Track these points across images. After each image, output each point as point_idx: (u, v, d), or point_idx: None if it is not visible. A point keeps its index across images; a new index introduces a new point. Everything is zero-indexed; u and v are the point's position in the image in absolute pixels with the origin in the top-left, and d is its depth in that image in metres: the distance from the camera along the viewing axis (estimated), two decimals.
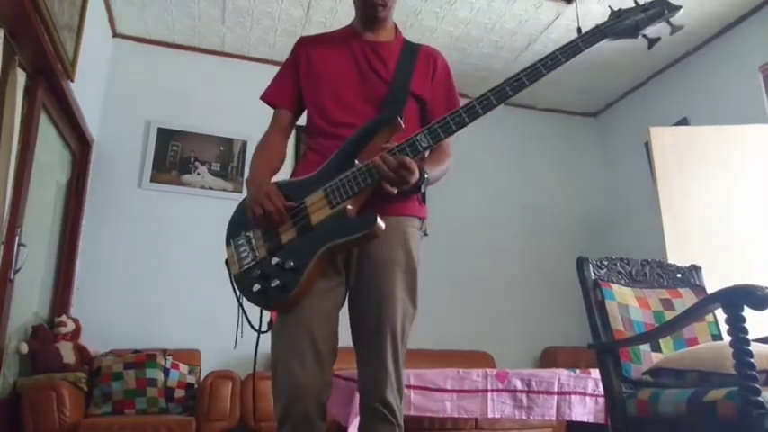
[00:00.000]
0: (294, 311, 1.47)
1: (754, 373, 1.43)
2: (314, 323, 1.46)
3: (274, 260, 1.48)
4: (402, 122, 1.49)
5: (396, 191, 1.45)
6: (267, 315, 1.56)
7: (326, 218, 1.46)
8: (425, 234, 1.66)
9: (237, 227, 1.59)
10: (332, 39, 1.75)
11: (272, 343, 1.50)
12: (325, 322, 1.48)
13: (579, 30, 1.64)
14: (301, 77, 1.70)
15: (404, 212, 1.58)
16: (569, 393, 2.70)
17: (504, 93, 1.46)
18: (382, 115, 1.52)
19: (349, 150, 1.50)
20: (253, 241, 1.54)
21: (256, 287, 1.48)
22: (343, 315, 1.58)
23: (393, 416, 1.46)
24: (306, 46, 1.73)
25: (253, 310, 1.54)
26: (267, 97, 1.73)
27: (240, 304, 1.54)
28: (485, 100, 1.44)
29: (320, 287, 1.49)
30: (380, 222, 1.42)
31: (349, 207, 1.45)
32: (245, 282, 1.52)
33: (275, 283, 1.46)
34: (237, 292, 1.54)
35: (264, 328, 1.53)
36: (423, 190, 1.52)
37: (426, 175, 1.49)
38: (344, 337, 1.54)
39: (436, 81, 1.68)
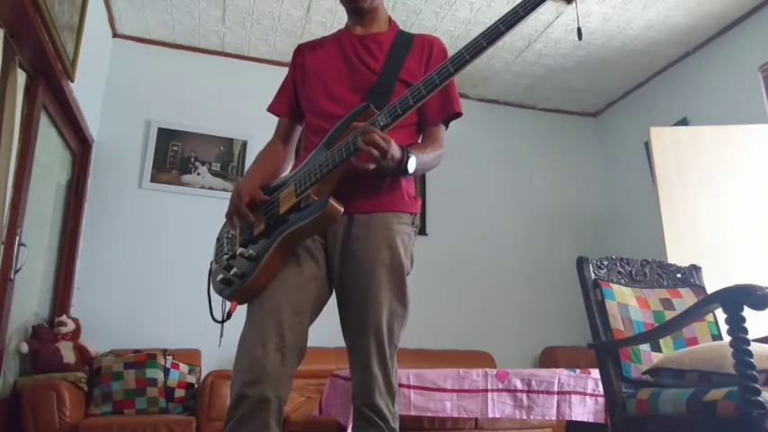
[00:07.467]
0: (265, 299, 1.47)
1: (754, 372, 1.43)
2: (283, 311, 1.45)
3: (241, 251, 1.53)
4: (376, 110, 1.46)
5: (372, 165, 1.39)
6: (229, 305, 1.59)
7: (291, 207, 1.48)
8: (417, 229, 1.63)
9: (225, 227, 1.69)
10: (326, 40, 1.79)
11: (243, 329, 1.49)
12: (295, 314, 1.46)
13: (579, 30, 1.60)
14: (297, 82, 1.75)
15: (389, 209, 1.55)
16: (569, 393, 2.70)
17: (462, 57, 1.38)
18: (359, 106, 1.52)
19: (327, 141, 1.52)
20: (234, 238, 1.61)
21: (220, 277, 1.55)
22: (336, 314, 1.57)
23: (382, 419, 1.43)
24: (302, 52, 1.79)
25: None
26: (268, 108, 1.83)
27: (209, 296, 1.60)
28: (443, 69, 1.39)
29: (294, 279, 1.49)
30: (336, 205, 1.39)
31: (311, 194, 1.45)
32: (215, 274, 1.60)
33: (234, 271, 1.51)
34: (209, 286, 1.61)
35: (225, 318, 1.58)
36: (410, 172, 1.45)
37: (410, 156, 1.43)
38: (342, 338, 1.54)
39: (432, 65, 1.63)
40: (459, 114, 1.67)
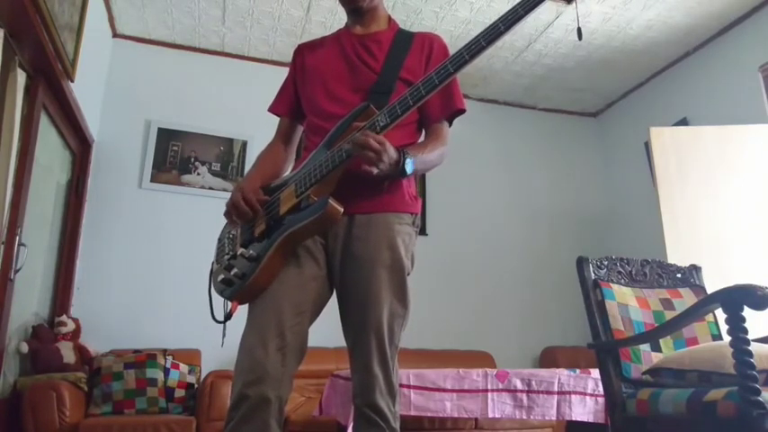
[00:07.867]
0: (265, 299, 1.47)
1: (754, 372, 1.43)
2: (284, 311, 1.44)
3: (242, 251, 1.53)
4: (376, 110, 1.46)
5: (374, 170, 1.39)
6: (230, 306, 1.58)
7: (292, 207, 1.48)
8: (417, 229, 1.62)
9: (226, 227, 1.69)
10: (326, 40, 1.79)
11: (244, 329, 1.49)
12: (296, 314, 1.46)
13: (579, 30, 1.60)
14: (298, 83, 1.75)
15: (390, 209, 1.54)
16: (569, 393, 2.70)
17: (461, 57, 1.38)
18: (359, 106, 1.52)
19: (327, 142, 1.52)
20: (235, 238, 1.61)
21: (221, 277, 1.55)
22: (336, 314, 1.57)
23: (383, 419, 1.43)
24: (302, 52, 1.79)
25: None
26: (269, 108, 1.83)
27: (210, 296, 1.59)
28: (442, 69, 1.39)
29: (295, 279, 1.49)
30: (335, 205, 1.39)
31: (311, 194, 1.45)
32: (216, 275, 1.59)
33: (234, 271, 1.52)
34: (210, 285, 1.61)
35: (226, 318, 1.57)
36: (409, 172, 1.45)
37: (407, 156, 1.44)
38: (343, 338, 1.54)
39: (432, 63, 1.62)
40: (461, 111, 1.66)
